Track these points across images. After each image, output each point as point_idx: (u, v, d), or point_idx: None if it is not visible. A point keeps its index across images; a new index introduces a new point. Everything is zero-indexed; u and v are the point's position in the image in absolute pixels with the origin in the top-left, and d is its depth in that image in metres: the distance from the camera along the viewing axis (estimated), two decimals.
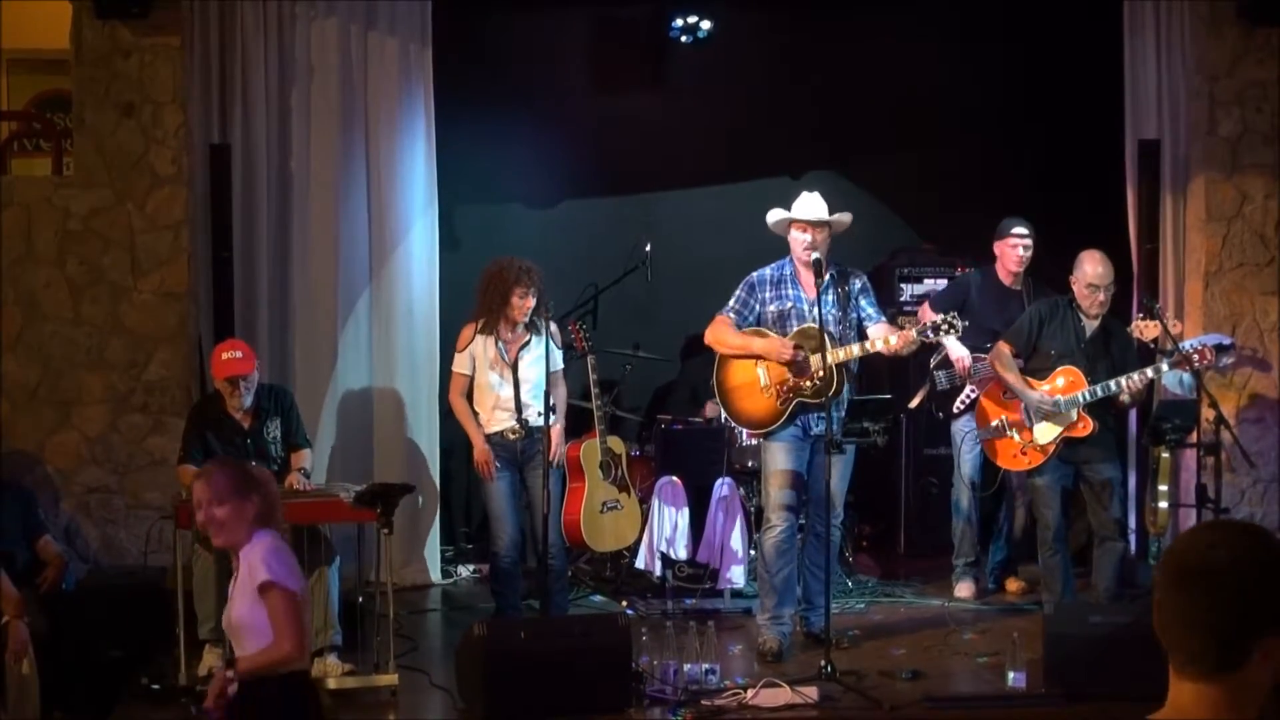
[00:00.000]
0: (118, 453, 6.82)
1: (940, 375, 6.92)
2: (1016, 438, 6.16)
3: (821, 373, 5.67)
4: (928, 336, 5.76)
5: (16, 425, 6.75)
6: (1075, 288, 6.16)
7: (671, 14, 7.89)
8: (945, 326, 5.68)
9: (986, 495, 6.96)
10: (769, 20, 8.20)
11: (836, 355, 5.69)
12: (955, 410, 6.92)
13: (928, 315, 6.97)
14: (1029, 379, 6.15)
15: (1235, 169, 7.25)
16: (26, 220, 6.79)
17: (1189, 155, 7.34)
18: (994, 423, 6.23)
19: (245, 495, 3.82)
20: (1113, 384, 6.01)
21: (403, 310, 7.27)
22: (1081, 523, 6.60)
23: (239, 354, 5.97)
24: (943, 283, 7.70)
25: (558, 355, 6.32)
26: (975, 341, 6.68)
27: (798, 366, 5.77)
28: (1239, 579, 1.83)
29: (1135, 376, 6.01)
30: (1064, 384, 6.07)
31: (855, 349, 5.78)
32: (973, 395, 6.82)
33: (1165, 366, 6.12)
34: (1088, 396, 6.02)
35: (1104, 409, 6.10)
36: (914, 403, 7.17)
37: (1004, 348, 6.22)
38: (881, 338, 5.76)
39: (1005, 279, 6.91)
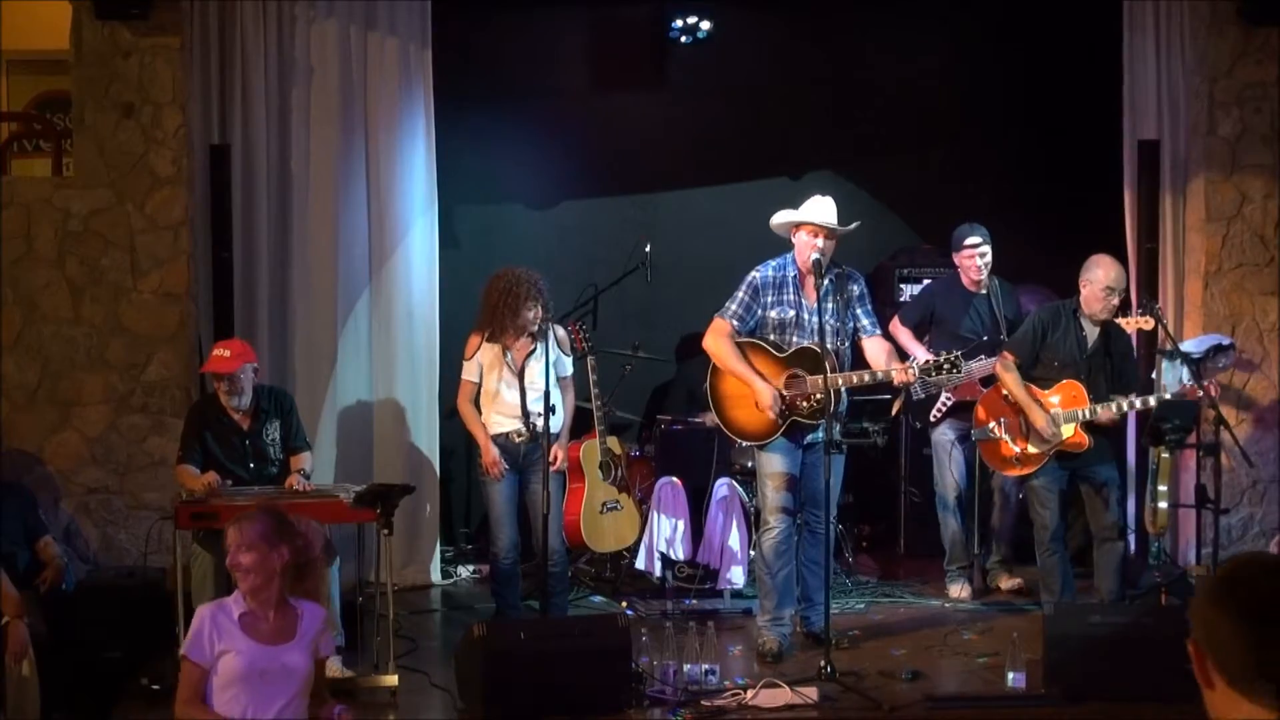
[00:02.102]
0: (118, 453, 6.82)
1: (915, 384, 6.89)
2: (1012, 443, 6.14)
3: (819, 396, 5.66)
4: (930, 376, 5.77)
5: (16, 425, 6.76)
6: (1088, 290, 6.08)
7: (671, 14, 7.91)
8: (947, 365, 5.67)
9: (968, 496, 6.95)
10: (769, 20, 8.20)
11: (836, 381, 5.65)
12: (932, 419, 6.91)
13: (898, 329, 6.95)
14: (1030, 387, 6.12)
15: (1235, 169, 7.25)
16: (26, 220, 6.80)
17: (1188, 155, 7.34)
18: (990, 425, 6.20)
19: (275, 546, 3.94)
20: (1113, 406, 5.99)
21: (402, 310, 7.27)
22: (1080, 523, 6.59)
23: (227, 353, 5.97)
24: None
25: (566, 361, 6.32)
26: (949, 349, 6.61)
27: (796, 389, 5.75)
28: None
29: (1137, 403, 6.01)
30: (1064, 399, 6.05)
31: (855, 377, 5.74)
32: (948, 403, 6.82)
33: (1168, 396, 6.06)
34: (1086, 415, 5.99)
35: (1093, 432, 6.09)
36: (893, 411, 7.17)
37: (1009, 358, 6.18)
38: (883, 369, 5.74)
39: (969, 285, 6.90)
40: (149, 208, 6.82)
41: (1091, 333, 6.14)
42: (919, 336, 6.92)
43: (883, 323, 6.24)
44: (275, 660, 3.92)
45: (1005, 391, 6.18)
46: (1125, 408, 6.02)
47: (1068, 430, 6.01)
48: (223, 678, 3.91)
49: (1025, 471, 6.14)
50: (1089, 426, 6.01)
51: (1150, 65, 7.35)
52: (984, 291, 6.88)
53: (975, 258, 6.80)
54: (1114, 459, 6.35)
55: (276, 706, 3.89)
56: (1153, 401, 6.07)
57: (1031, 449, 6.07)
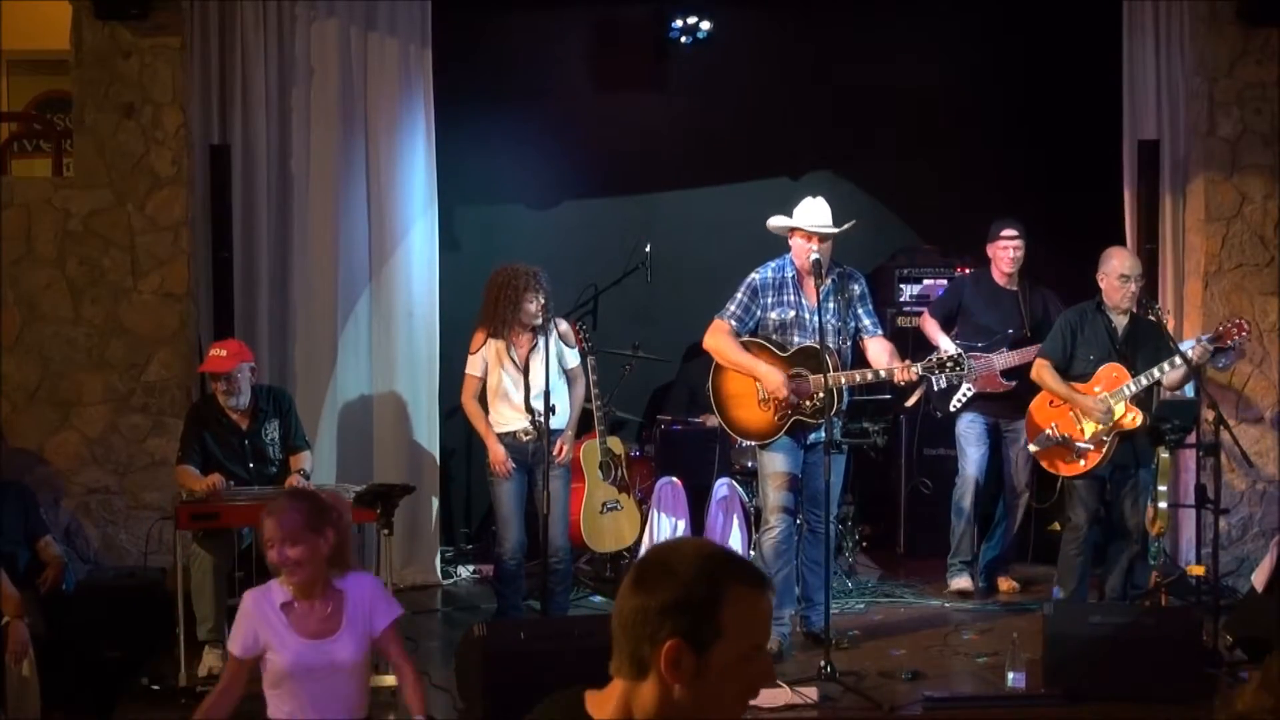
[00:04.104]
0: (118, 453, 6.82)
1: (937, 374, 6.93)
2: (1070, 443, 6.16)
3: (822, 394, 5.67)
4: (933, 373, 5.80)
5: (16, 425, 6.76)
6: (1105, 282, 6.18)
7: (671, 15, 7.91)
8: (950, 364, 5.71)
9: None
10: (768, 21, 8.20)
11: (839, 380, 5.67)
12: (952, 408, 6.94)
13: (927, 321, 6.99)
14: (1074, 385, 6.17)
15: (1235, 169, 7.25)
16: (26, 221, 6.80)
17: (1188, 156, 7.34)
18: (1045, 431, 6.22)
19: (319, 531, 3.67)
20: (1155, 371, 6.06)
21: (402, 310, 7.27)
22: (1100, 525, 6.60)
23: (223, 353, 5.99)
24: (943, 283, 7.72)
25: (571, 353, 6.30)
26: (972, 340, 6.74)
27: (797, 389, 5.76)
28: (646, 585, 1.96)
29: (1178, 360, 5.99)
30: (1106, 383, 6.12)
31: (858, 375, 5.76)
32: (969, 393, 6.84)
33: (1207, 344, 6.07)
34: (1132, 388, 6.07)
35: (1144, 408, 6.12)
36: (910, 401, 7.21)
37: (1043, 364, 6.24)
38: (885, 367, 5.76)
39: (1000, 279, 6.95)
40: (149, 208, 6.82)
41: (1120, 323, 6.21)
42: (947, 329, 6.95)
43: (884, 323, 6.25)
44: (323, 657, 3.66)
45: (1048, 390, 6.22)
46: (1168, 368, 6.05)
47: (1119, 409, 6.06)
48: (271, 676, 3.67)
49: (1090, 465, 6.16)
50: (1137, 401, 6.06)
51: (1150, 65, 7.35)
52: (1013, 288, 6.92)
53: (1010, 249, 6.87)
54: (1152, 462, 6.35)
55: (329, 705, 3.65)
56: (1190, 355, 6.03)
57: (1089, 440, 6.10)
